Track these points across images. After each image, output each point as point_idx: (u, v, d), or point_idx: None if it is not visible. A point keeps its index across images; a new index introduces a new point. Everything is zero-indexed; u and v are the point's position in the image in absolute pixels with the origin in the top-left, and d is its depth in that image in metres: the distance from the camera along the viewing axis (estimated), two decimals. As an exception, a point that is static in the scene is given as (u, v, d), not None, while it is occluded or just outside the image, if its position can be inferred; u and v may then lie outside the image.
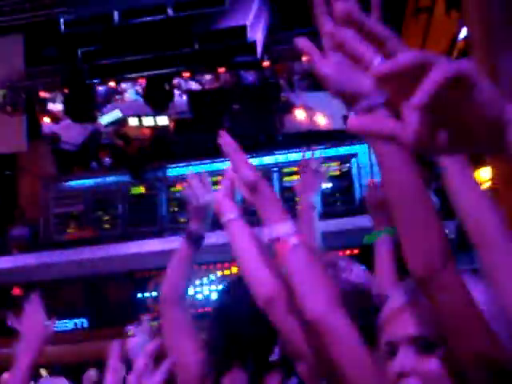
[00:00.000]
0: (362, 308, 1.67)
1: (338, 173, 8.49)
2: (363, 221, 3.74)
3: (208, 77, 10.12)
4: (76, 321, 8.65)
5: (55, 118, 10.11)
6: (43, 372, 8.07)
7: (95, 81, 9.51)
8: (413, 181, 1.26)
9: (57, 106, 10.21)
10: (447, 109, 0.79)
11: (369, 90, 1.20)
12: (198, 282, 8.18)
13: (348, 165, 8.57)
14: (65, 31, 8.49)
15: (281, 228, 1.66)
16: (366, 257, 2.62)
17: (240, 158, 1.77)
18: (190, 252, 2.33)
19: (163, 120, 9.75)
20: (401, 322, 1.40)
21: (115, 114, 10.01)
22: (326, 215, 7.02)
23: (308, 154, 2.81)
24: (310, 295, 1.56)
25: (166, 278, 2.35)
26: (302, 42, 1.25)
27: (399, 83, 0.80)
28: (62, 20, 8.42)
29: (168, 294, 2.34)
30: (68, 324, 8.60)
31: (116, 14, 8.28)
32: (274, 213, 1.70)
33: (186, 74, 9.52)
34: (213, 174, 2.88)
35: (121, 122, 9.93)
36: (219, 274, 8.44)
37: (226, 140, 1.79)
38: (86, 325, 8.65)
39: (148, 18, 8.38)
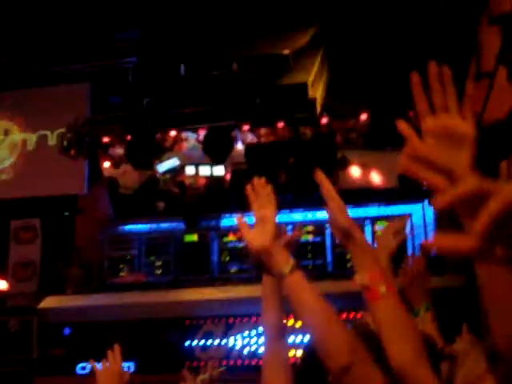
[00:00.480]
0: (430, 357, 1.69)
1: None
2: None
3: (264, 130, 10.22)
4: (123, 364, 8.67)
5: (116, 163, 10.33)
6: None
7: (157, 129, 9.72)
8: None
9: (118, 152, 10.43)
10: (508, 228, 0.82)
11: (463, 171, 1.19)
12: (245, 334, 8.16)
13: (402, 224, 8.50)
14: (132, 80, 8.77)
15: (371, 276, 1.67)
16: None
17: (336, 205, 1.78)
18: (274, 285, 2.27)
19: (220, 170, 9.88)
20: None
21: (173, 162, 10.18)
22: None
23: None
24: (398, 344, 1.58)
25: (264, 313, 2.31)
26: (402, 125, 1.26)
27: (463, 206, 0.87)
28: (129, 69, 8.71)
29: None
30: (115, 367, 8.61)
31: (182, 67, 8.54)
32: (365, 260, 1.72)
33: (246, 127, 9.66)
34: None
35: (178, 170, 10.09)
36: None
37: (325, 185, 1.79)
38: (132, 369, 8.68)
39: (213, 72, 8.60)
